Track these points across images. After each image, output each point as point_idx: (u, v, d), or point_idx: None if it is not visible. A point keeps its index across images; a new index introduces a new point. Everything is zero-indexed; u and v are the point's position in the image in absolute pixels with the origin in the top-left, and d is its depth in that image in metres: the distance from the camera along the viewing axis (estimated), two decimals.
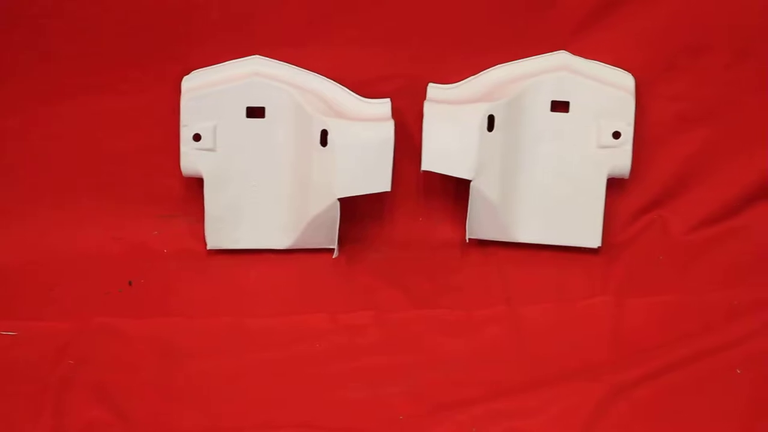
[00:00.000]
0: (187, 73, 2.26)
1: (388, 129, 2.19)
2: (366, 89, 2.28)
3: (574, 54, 2.27)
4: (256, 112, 2.26)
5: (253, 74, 2.24)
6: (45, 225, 2.34)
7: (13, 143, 2.32)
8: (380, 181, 2.19)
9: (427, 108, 2.24)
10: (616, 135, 2.28)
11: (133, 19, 2.24)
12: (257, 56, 2.25)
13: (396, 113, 2.26)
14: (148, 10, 2.23)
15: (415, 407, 1.90)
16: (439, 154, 2.22)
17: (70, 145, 2.33)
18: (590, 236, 2.32)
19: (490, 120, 2.22)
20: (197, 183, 2.30)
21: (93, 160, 2.34)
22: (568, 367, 1.99)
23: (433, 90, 2.29)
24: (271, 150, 2.27)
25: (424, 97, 2.28)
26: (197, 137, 2.25)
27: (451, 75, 2.30)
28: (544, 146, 2.30)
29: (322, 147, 2.20)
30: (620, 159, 2.29)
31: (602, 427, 1.85)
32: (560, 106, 2.28)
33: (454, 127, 2.22)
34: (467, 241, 2.30)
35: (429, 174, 2.26)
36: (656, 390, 1.93)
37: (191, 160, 2.26)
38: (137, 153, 2.34)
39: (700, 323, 2.11)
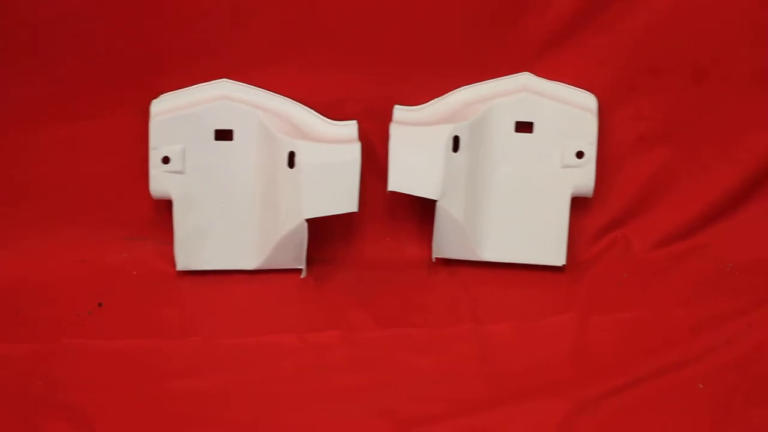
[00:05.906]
0: (156, 97, 2.27)
1: (355, 150, 2.20)
2: (332, 111, 2.29)
3: (537, 75, 2.30)
4: (224, 135, 2.27)
5: (221, 97, 2.26)
6: (12, 249, 2.34)
7: None
8: (347, 202, 2.20)
9: (393, 130, 2.26)
10: (580, 155, 2.30)
11: (101, 45, 2.24)
12: (225, 80, 2.27)
13: (362, 134, 2.27)
14: (117, 35, 2.23)
15: (382, 425, 1.90)
16: (406, 175, 2.24)
17: (36, 170, 2.33)
18: (555, 255, 2.34)
19: (455, 141, 2.24)
20: (166, 205, 2.31)
21: (60, 184, 2.35)
22: (533, 384, 2.00)
23: (399, 112, 2.31)
24: (240, 172, 2.29)
25: (389, 118, 2.30)
26: (166, 160, 2.26)
27: (417, 97, 2.33)
28: (509, 166, 2.32)
29: (289, 168, 2.21)
30: (584, 178, 2.32)
31: None
32: (524, 127, 2.31)
33: (420, 148, 2.24)
34: (433, 260, 2.32)
35: (395, 194, 2.27)
36: (620, 406, 1.94)
37: (160, 182, 2.27)
38: (104, 177, 2.34)
39: (663, 339, 2.12)
